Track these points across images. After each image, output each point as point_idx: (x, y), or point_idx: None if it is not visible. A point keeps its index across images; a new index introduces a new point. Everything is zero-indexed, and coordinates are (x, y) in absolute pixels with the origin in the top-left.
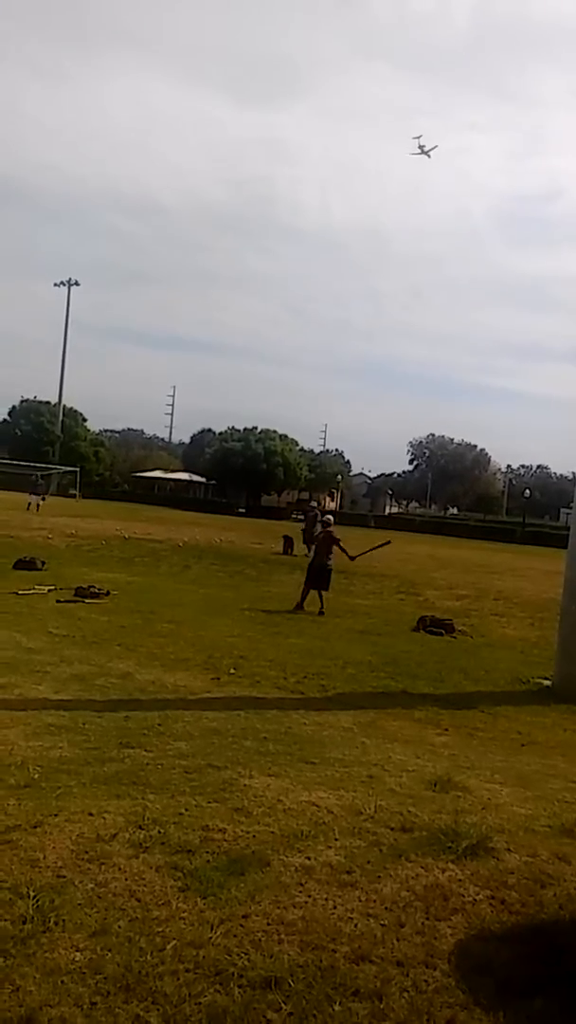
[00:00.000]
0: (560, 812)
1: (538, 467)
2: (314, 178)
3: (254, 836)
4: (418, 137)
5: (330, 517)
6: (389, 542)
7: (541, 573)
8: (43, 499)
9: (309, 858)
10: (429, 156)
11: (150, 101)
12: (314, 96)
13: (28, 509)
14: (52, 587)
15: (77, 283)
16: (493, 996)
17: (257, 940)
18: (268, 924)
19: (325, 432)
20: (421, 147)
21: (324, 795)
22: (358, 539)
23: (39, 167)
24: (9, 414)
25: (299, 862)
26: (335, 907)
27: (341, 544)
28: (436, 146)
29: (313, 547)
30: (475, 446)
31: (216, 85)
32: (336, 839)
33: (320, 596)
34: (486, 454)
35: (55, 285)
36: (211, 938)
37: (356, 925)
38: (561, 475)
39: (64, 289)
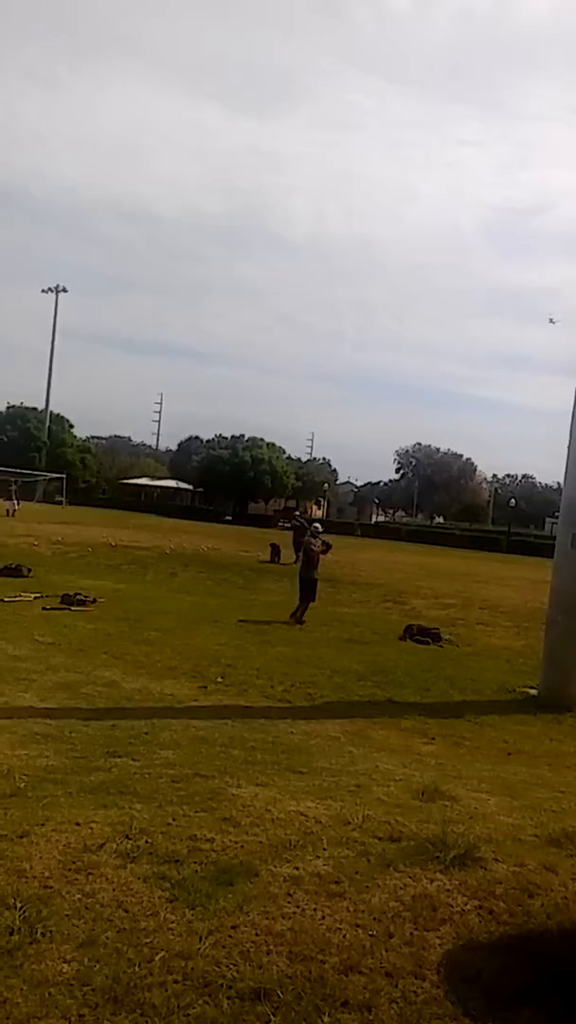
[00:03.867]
0: (547, 822)
1: (523, 477)
2: (306, 189)
3: (242, 846)
4: (551, 316)
5: (317, 525)
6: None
7: (527, 582)
8: (17, 504)
9: (297, 868)
10: (553, 323)
11: (144, 109)
12: (308, 107)
13: (9, 515)
14: (38, 594)
15: (65, 289)
16: (482, 1006)
17: (246, 951)
18: (257, 935)
19: (312, 440)
20: (551, 320)
21: (312, 805)
22: (339, 549)
23: (31, 173)
24: None
25: (287, 872)
26: (324, 918)
27: (312, 555)
28: (561, 319)
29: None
30: (461, 455)
31: (210, 95)
32: (324, 849)
33: (304, 605)
34: (472, 463)
35: (43, 291)
36: (199, 949)
37: (345, 936)
38: (546, 484)
39: (52, 295)
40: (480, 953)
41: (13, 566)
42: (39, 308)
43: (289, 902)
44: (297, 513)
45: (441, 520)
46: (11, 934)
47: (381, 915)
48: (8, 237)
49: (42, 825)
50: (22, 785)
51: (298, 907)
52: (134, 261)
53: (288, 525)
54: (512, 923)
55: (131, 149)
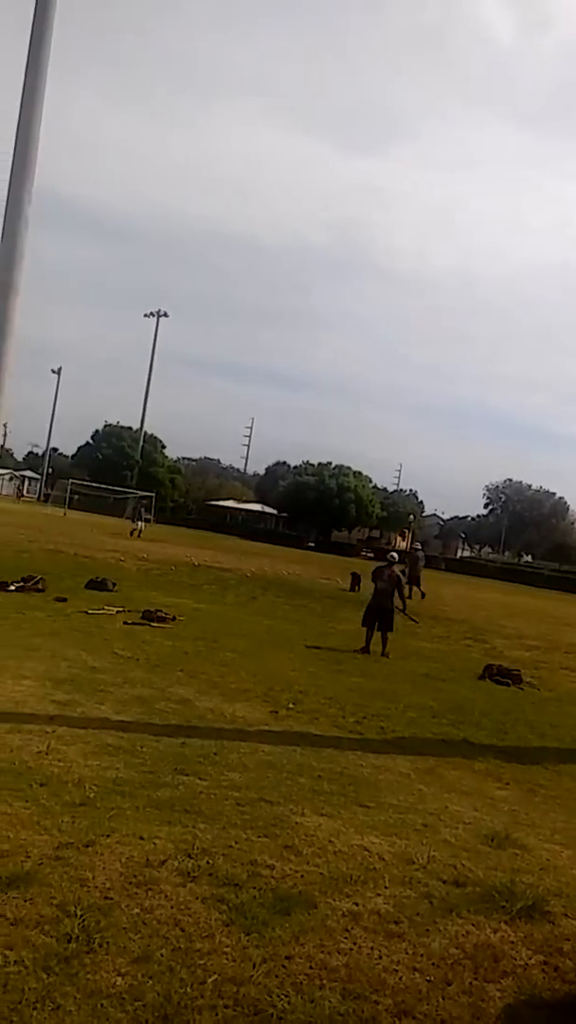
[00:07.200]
0: None
1: None
2: (411, 223)
3: (302, 876)
4: None
5: (394, 554)
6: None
7: None
8: (143, 525)
9: (357, 904)
10: None
11: (256, 145)
12: (415, 142)
13: (132, 535)
14: (120, 609)
15: (166, 314)
16: None
17: (299, 983)
18: (311, 968)
19: (400, 471)
20: None
21: (376, 840)
22: (423, 583)
23: (144, 201)
24: (92, 437)
25: (346, 907)
26: (380, 957)
27: (400, 591)
28: None
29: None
30: (554, 494)
31: (320, 131)
32: (386, 887)
33: (384, 637)
34: (564, 502)
35: (145, 316)
36: (252, 976)
37: (401, 978)
38: None
39: (153, 319)
40: (543, 1011)
41: (99, 580)
42: (141, 331)
43: (346, 938)
44: (418, 545)
45: (529, 559)
46: (69, 941)
47: (440, 961)
48: (117, 264)
49: (108, 836)
50: (91, 795)
51: (355, 944)
52: (235, 289)
53: (371, 555)
54: None
55: (242, 182)
